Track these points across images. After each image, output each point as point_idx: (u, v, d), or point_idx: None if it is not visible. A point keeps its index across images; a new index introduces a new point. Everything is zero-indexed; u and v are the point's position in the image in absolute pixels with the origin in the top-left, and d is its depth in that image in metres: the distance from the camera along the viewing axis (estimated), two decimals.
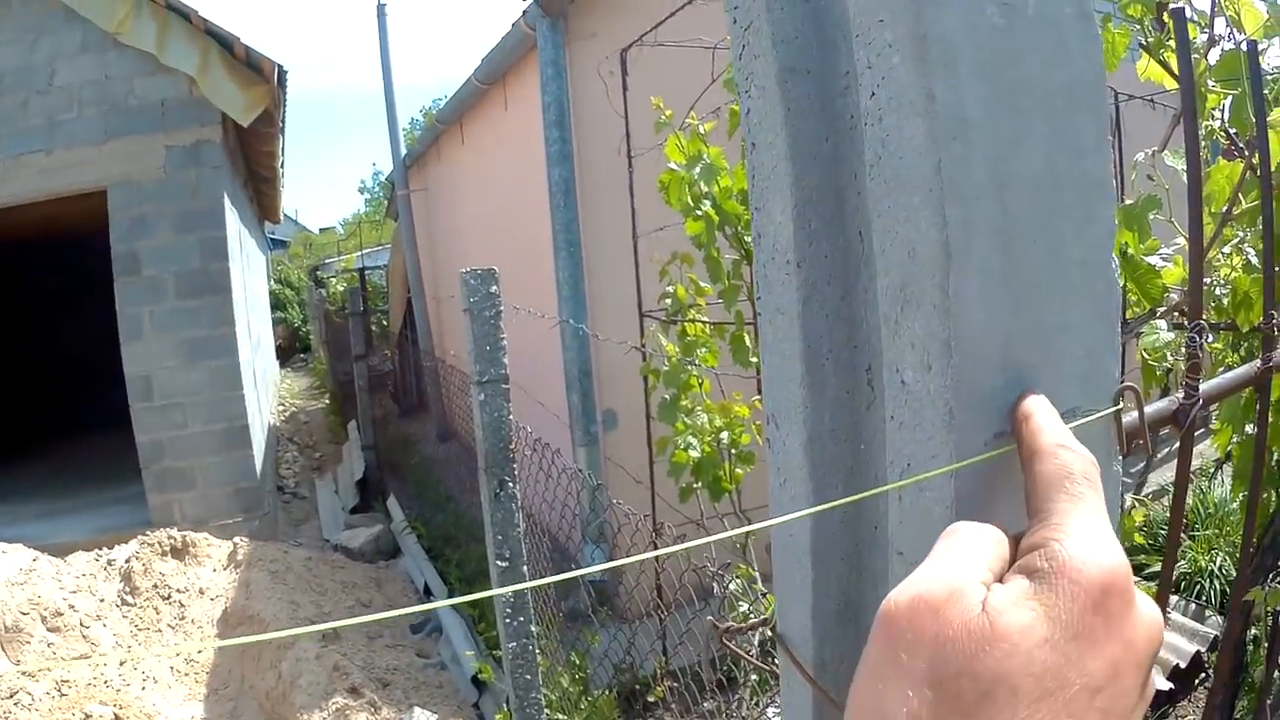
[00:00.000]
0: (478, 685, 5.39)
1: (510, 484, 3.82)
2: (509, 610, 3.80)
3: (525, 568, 3.85)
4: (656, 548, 5.33)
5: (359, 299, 10.49)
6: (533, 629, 3.87)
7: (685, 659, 3.88)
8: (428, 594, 6.81)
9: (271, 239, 22.77)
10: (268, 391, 12.69)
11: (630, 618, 5.44)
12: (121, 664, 5.87)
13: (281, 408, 14.90)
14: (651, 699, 4.56)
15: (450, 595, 6.38)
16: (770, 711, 4.38)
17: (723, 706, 3.59)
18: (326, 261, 19.04)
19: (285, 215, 36.01)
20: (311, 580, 6.82)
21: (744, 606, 3.30)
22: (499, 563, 3.78)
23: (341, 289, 14.33)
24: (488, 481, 3.80)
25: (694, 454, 3.51)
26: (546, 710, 4.08)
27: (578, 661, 4.44)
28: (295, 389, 17.21)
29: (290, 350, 20.68)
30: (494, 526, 3.77)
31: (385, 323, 13.40)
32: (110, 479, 10.17)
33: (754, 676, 4.00)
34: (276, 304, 20.59)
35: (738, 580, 3.28)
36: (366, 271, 13.86)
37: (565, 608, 5.52)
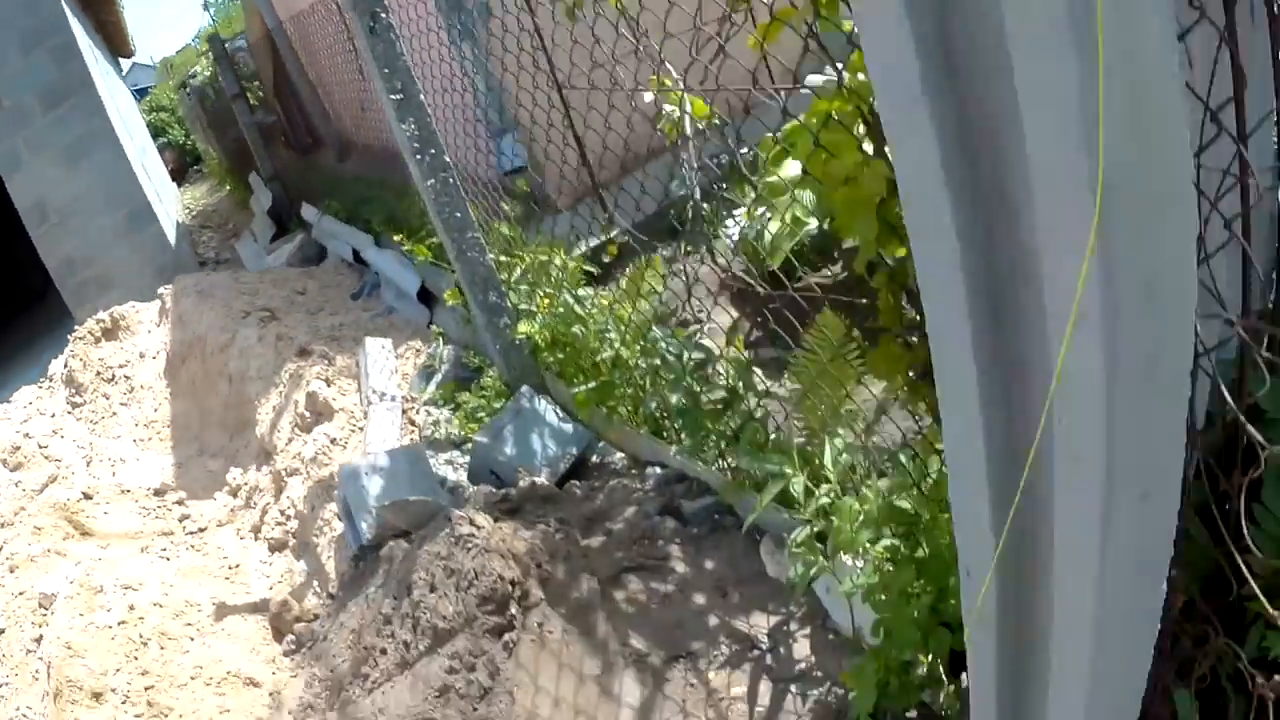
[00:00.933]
0: (428, 304, 5.42)
1: (383, 15, 3.65)
2: (417, 146, 3.73)
3: (422, 97, 3.74)
4: (569, 117, 5.23)
5: (231, 79, 10.03)
6: (447, 159, 3.81)
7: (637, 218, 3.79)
8: (358, 260, 6.77)
9: (136, 91, 22.02)
10: (167, 191, 12.35)
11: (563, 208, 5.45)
12: (89, 464, 5.77)
13: (189, 211, 14.67)
14: (607, 258, 4.55)
15: (376, 242, 6.33)
16: (730, 222, 4.42)
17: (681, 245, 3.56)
18: (193, 71, 18.00)
19: (142, 64, 34.05)
20: (240, 288, 6.79)
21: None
22: (393, 96, 3.68)
23: (210, 72, 13.65)
24: (360, 21, 3.62)
25: None
26: (496, 255, 4.10)
27: (509, 231, 4.40)
28: (197, 195, 16.93)
29: (183, 170, 20.01)
30: (377, 61, 3.64)
31: (261, 91, 12.82)
32: (36, 346, 9.92)
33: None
34: (157, 132, 19.89)
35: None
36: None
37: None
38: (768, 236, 2.44)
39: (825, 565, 2.21)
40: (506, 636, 2.50)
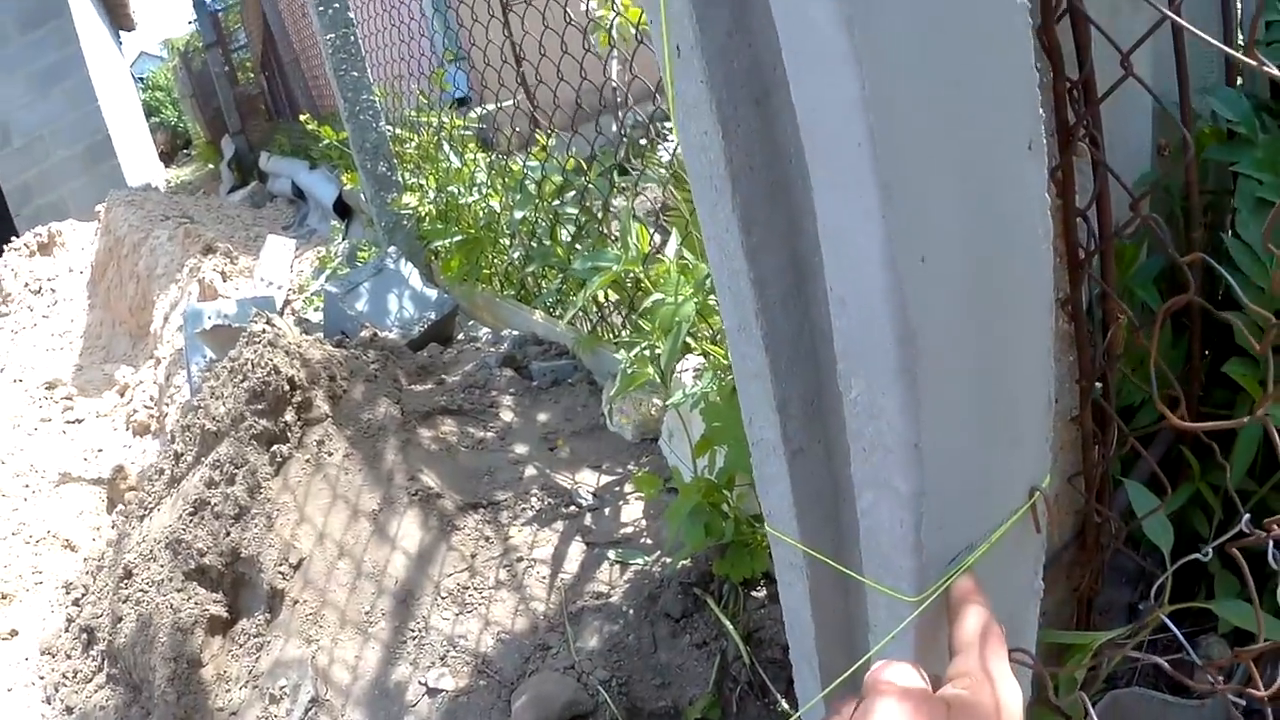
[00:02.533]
0: (343, 215, 5.08)
1: None
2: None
3: None
4: (508, 30, 4.89)
5: (209, 26, 9.84)
6: (350, 16, 3.48)
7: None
8: (299, 195, 6.45)
9: (138, 79, 22.19)
10: (136, 140, 12.17)
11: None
12: (2, 370, 5.55)
13: (168, 184, 14.51)
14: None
15: (313, 169, 6.00)
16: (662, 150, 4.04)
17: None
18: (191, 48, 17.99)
19: (151, 54, 34.21)
20: (172, 205, 6.47)
21: None
22: None
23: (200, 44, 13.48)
24: None
25: None
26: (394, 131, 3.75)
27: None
28: (181, 174, 16.70)
29: (173, 153, 19.83)
30: None
31: (249, 64, 12.65)
32: None
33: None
34: (151, 111, 19.83)
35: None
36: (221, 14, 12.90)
37: None
38: None
39: (649, 374, 1.80)
40: (276, 448, 2.07)
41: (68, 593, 2.68)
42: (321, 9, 3.46)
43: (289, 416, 2.09)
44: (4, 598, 2.85)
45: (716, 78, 0.74)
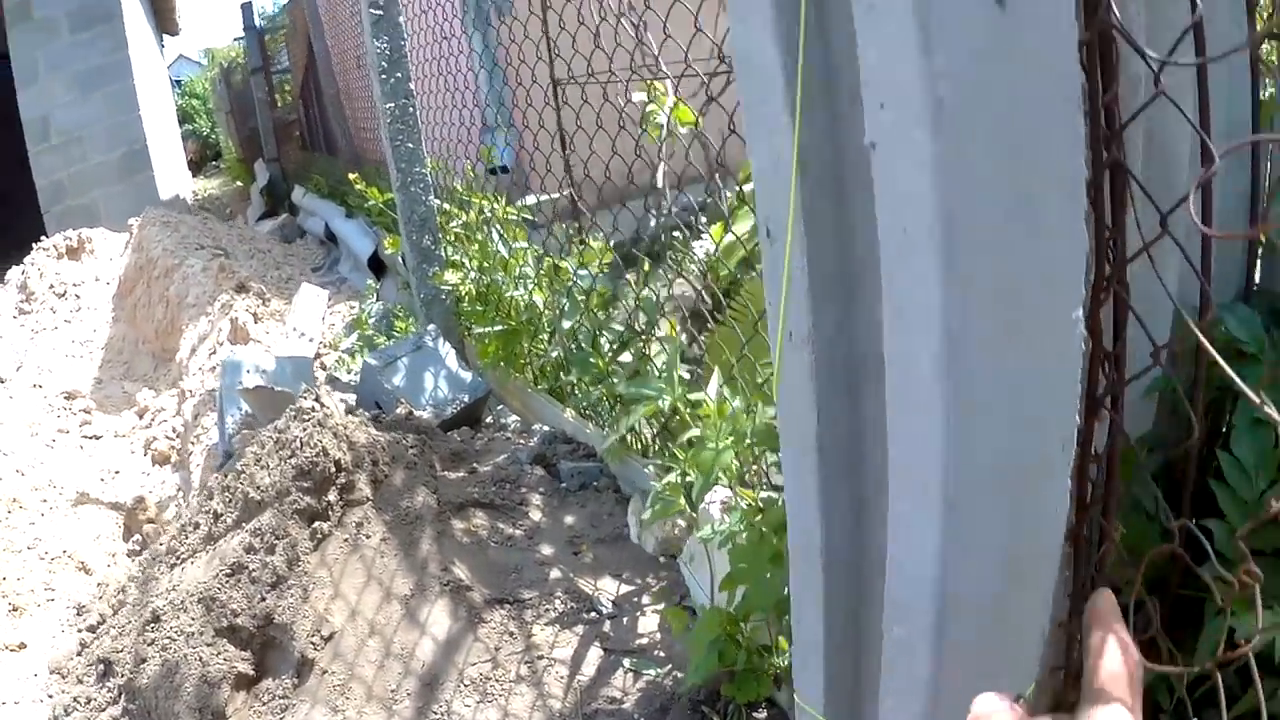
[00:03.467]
0: (379, 276, 5.23)
1: None
2: (384, 66, 3.58)
3: (400, 19, 3.61)
4: (558, 112, 5.10)
5: (256, 50, 10.05)
6: (411, 87, 3.67)
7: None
8: (330, 238, 6.61)
9: (176, 82, 22.49)
10: (171, 152, 12.34)
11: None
12: (18, 369, 5.64)
13: (195, 195, 14.66)
14: None
15: (349, 216, 6.16)
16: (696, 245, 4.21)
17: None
18: (233, 63, 18.27)
19: (189, 59, 34.73)
20: (206, 232, 6.62)
21: None
22: (372, 10, 3.54)
23: (243, 61, 13.72)
24: None
25: None
26: (441, 203, 3.92)
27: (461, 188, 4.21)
28: (208, 186, 16.88)
29: (201, 163, 20.07)
30: None
31: (288, 87, 12.86)
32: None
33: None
34: (185, 118, 20.09)
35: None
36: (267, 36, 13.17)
37: None
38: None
39: (681, 506, 1.95)
40: (317, 525, 2.21)
41: (79, 615, 2.75)
42: (384, 77, 3.65)
43: (332, 496, 2.23)
44: (15, 610, 2.87)
45: (820, 366, 0.90)
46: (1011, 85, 0.69)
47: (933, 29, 0.65)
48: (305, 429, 2.23)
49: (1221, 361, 0.80)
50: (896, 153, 0.72)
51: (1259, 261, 1.41)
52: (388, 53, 3.56)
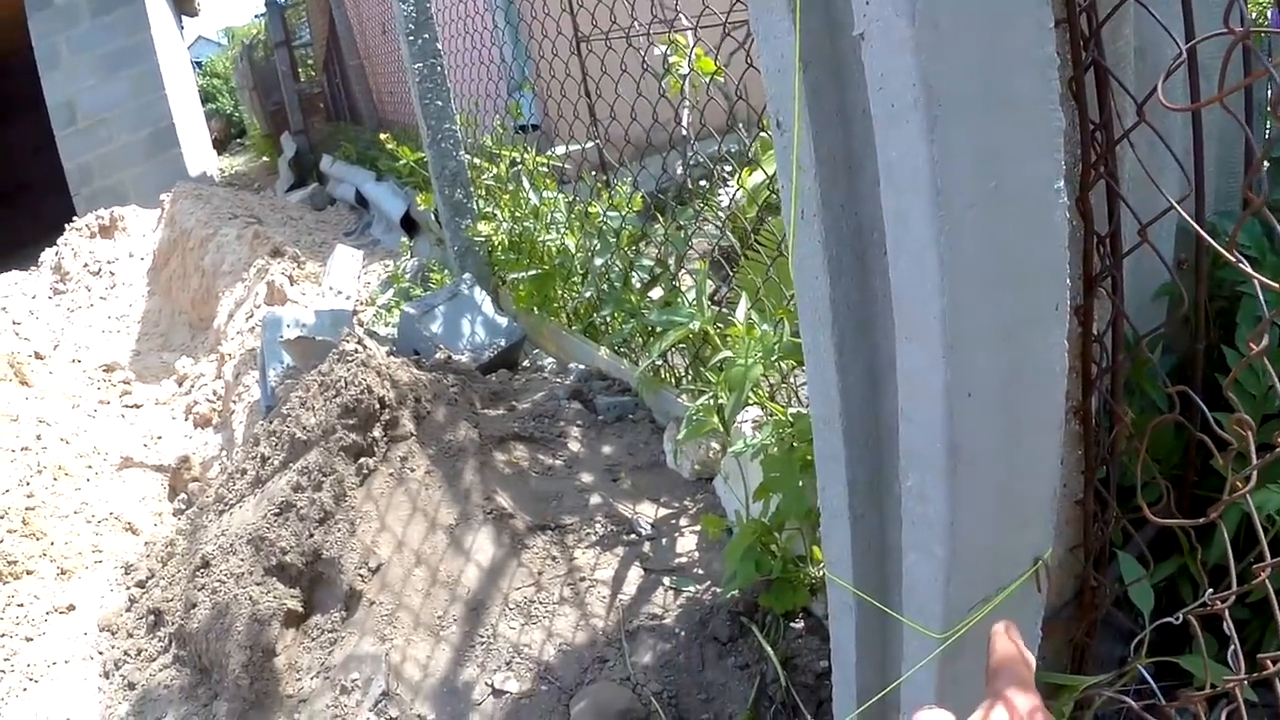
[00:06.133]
0: (411, 235, 5.31)
1: None
2: (411, 27, 3.64)
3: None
4: (584, 67, 5.13)
5: (278, 24, 10.11)
6: (439, 47, 3.72)
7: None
8: (361, 203, 6.70)
9: (197, 63, 22.60)
10: (195, 129, 12.48)
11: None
12: (56, 348, 5.74)
13: (221, 173, 14.81)
14: None
15: (379, 180, 6.24)
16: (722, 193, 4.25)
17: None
18: (254, 40, 18.36)
19: (209, 39, 34.88)
20: (238, 203, 6.73)
21: None
22: None
23: (265, 37, 13.82)
24: None
25: None
26: (471, 158, 3.98)
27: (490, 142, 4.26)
28: (234, 163, 17.02)
29: (225, 141, 20.22)
30: None
31: (311, 60, 12.97)
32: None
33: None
34: (207, 97, 20.23)
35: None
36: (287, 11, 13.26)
37: None
38: None
39: (715, 424, 2.02)
40: (363, 460, 2.30)
41: (128, 573, 2.80)
42: (411, 39, 3.71)
43: (376, 432, 2.32)
44: (64, 573, 2.92)
45: (830, 237, 0.97)
46: None
47: None
48: (349, 369, 2.32)
49: (1227, 254, 0.87)
50: (882, 40, 0.81)
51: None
52: (414, 15, 3.62)
